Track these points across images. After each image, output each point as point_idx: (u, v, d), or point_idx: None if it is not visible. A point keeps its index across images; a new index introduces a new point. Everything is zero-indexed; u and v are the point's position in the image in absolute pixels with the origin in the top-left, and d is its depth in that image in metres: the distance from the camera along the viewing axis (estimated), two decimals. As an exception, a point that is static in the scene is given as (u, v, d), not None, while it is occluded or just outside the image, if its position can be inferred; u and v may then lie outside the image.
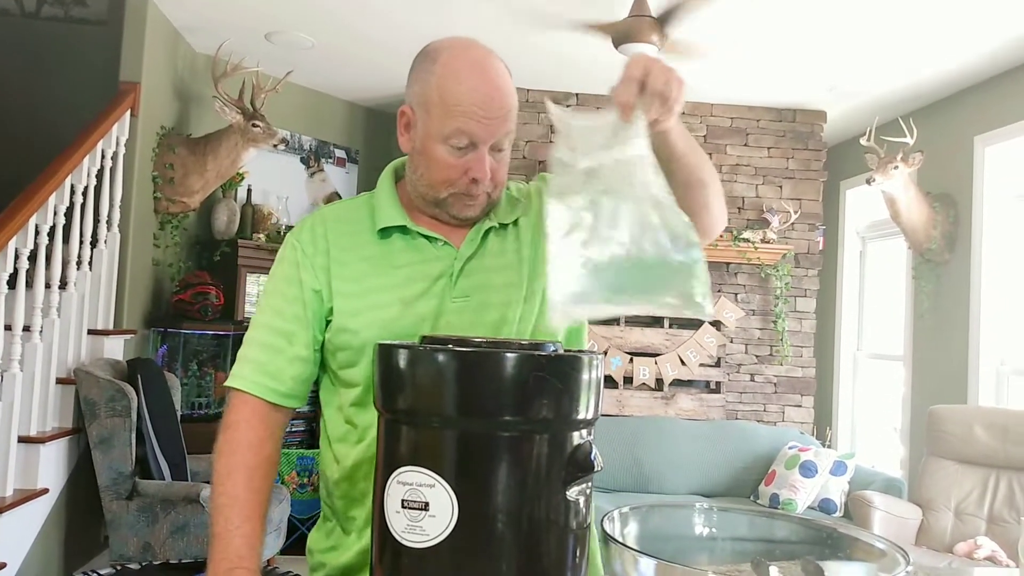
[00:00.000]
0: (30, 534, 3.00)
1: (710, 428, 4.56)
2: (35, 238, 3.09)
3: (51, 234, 3.20)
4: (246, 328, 1.18)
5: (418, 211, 1.15)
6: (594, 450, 0.81)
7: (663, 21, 3.36)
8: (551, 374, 0.77)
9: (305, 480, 4.23)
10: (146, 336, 4.09)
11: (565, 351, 0.86)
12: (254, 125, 3.96)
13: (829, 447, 4.66)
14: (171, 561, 1.15)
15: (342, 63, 4.53)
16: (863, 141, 4.31)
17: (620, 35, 3.42)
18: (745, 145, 4.94)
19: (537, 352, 0.79)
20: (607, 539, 0.82)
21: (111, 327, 3.65)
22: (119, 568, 1.08)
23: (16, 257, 2.98)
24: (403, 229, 1.13)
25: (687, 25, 3.43)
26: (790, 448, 4.33)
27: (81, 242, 3.45)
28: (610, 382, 4.69)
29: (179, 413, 3.66)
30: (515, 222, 1.18)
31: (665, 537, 0.95)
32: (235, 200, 4.54)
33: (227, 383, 1.13)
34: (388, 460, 0.81)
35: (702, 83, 4.53)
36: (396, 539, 0.78)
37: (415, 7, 3.65)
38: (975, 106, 4.29)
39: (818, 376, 5.06)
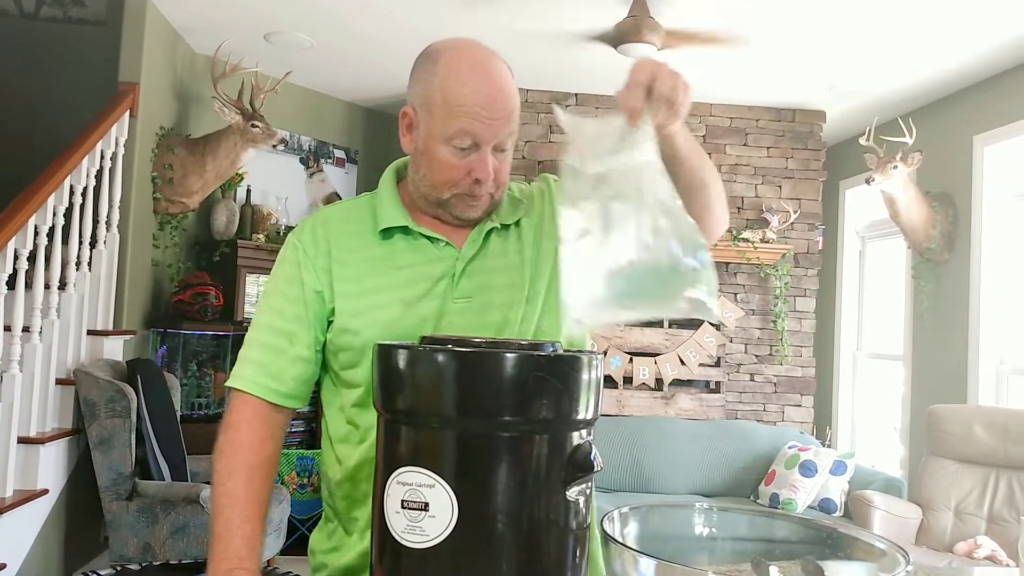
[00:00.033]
0: (30, 535, 3.00)
1: (710, 428, 4.56)
2: (34, 239, 3.08)
3: (50, 235, 3.20)
4: (246, 329, 1.18)
5: (420, 211, 1.15)
6: (594, 450, 0.81)
7: (670, 38, 3.38)
8: (551, 374, 0.77)
9: (305, 480, 4.23)
10: (146, 337, 4.09)
11: (565, 351, 0.86)
12: (253, 125, 3.96)
13: (829, 447, 4.66)
14: (171, 562, 1.14)
15: (341, 63, 4.53)
16: (862, 141, 4.31)
17: (619, 35, 3.42)
18: (744, 145, 4.94)
19: (537, 352, 0.79)
20: (607, 539, 0.82)
21: (111, 328, 3.65)
22: (119, 569, 1.08)
23: (16, 258, 2.98)
24: (405, 230, 1.13)
25: (685, 18, 3.44)
26: (790, 448, 4.34)
27: (80, 243, 3.45)
28: (610, 382, 4.69)
29: (179, 414, 3.66)
30: (517, 223, 1.18)
31: (665, 537, 0.95)
32: (234, 200, 4.54)
33: (228, 383, 1.13)
34: (388, 460, 0.81)
35: (701, 83, 4.53)
36: (396, 539, 0.78)
37: (415, 7, 3.65)
38: (974, 106, 4.29)
39: (818, 376, 5.06)
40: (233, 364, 1.16)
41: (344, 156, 5.34)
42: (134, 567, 1.10)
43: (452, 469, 0.76)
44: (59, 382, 3.21)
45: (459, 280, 1.12)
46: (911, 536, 3.53)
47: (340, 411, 1.16)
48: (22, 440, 2.94)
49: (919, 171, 4.28)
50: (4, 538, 2.80)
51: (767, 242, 4.73)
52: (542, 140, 4.81)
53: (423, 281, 1.11)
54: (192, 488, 3.09)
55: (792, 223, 4.88)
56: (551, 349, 0.83)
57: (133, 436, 3.14)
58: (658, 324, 4.78)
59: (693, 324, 4.74)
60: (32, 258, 3.10)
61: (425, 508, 0.76)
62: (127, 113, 3.73)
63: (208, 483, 3.07)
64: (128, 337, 3.81)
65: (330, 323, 1.13)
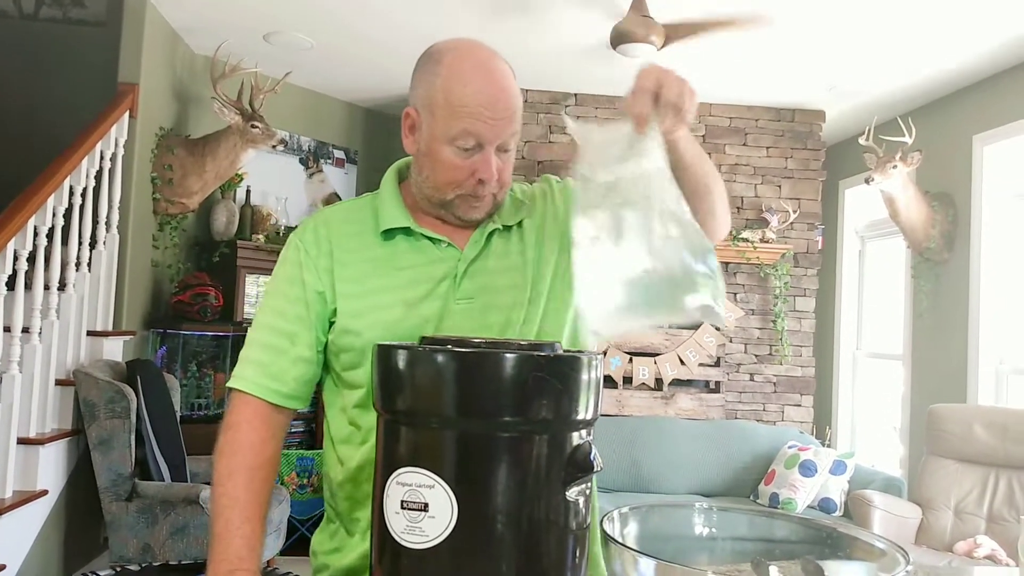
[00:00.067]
0: (29, 535, 3.00)
1: (710, 428, 4.56)
2: (34, 239, 3.08)
3: (50, 235, 3.20)
4: (245, 329, 1.18)
5: (422, 212, 1.15)
6: (593, 450, 0.81)
7: (669, 34, 3.37)
8: (550, 374, 0.77)
9: (305, 481, 4.23)
10: (145, 337, 4.09)
11: (564, 351, 0.86)
12: (253, 126, 3.96)
13: (829, 446, 4.66)
14: (171, 562, 1.14)
15: (341, 64, 4.53)
16: (862, 140, 4.31)
17: (619, 35, 3.42)
18: (744, 145, 4.94)
19: (536, 352, 0.79)
20: (607, 539, 0.82)
21: (110, 328, 3.65)
22: (119, 569, 1.08)
23: (15, 259, 2.98)
24: (407, 230, 1.13)
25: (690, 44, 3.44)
26: (790, 447, 4.34)
27: (80, 243, 3.45)
28: (609, 382, 4.69)
29: (178, 414, 3.66)
30: (519, 224, 1.18)
31: (665, 537, 0.95)
32: (234, 201, 4.54)
33: (229, 384, 1.13)
34: (387, 461, 0.81)
35: (701, 83, 4.51)
36: (395, 540, 0.78)
37: (414, 7, 3.65)
38: (974, 105, 4.29)
39: (817, 375, 5.06)
40: (233, 365, 1.16)
41: (344, 156, 5.34)
42: (134, 568, 1.10)
43: (452, 470, 0.76)
44: (59, 383, 3.21)
45: (461, 281, 1.11)
46: (911, 536, 3.53)
47: (342, 412, 1.15)
48: (22, 441, 2.94)
49: (918, 171, 4.28)
50: (3, 539, 2.80)
51: (767, 242, 4.73)
52: (542, 140, 4.81)
53: (425, 282, 1.11)
54: (192, 489, 3.08)
55: (792, 223, 4.88)
56: (551, 349, 0.83)
57: (133, 437, 3.14)
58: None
59: (693, 324, 4.74)
60: (32, 259, 3.10)
61: (425, 509, 0.76)
62: (127, 114, 3.73)
63: (208, 484, 3.07)
64: (128, 338, 3.81)
65: (331, 324, 1.13)
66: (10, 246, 2.91)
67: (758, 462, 4.40)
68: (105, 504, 3.08)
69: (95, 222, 3.57)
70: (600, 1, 3.48)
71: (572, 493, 0.79)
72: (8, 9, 4.73)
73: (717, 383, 4.85)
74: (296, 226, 4.40)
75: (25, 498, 2.90)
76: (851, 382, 5.43)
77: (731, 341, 4.86)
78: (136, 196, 3.86)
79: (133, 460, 3.13)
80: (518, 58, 1.12)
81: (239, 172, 4.31)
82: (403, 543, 0.77)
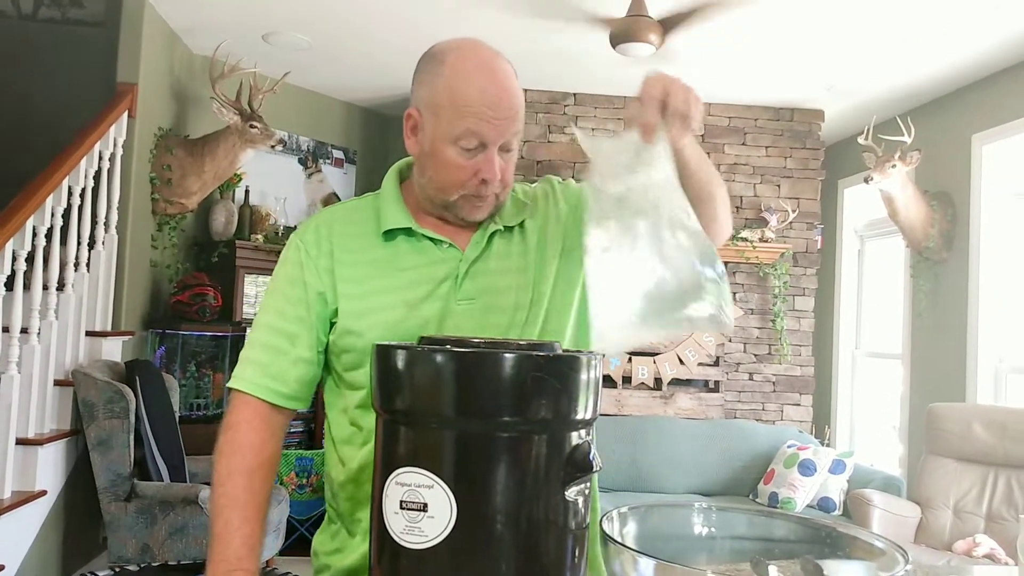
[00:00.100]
0: (28, 536, 2.99)
1: (709, 427, 4.56)
2: (33, 240, 3.08)
3: (49, 236, 3.20)
4: (244, 329, 1.19)
5: (423, 213, 1.15)
6: (593, 450, 0.81)
7: (665, 26, 3.37)
8: (549, 374, 0.77)
9: (304, 481, 4.23)
10: (144, 337, 4.09)
11: (564, 351, 0.86)
12: (252, 126, 3.96)
13: (828, 446, 4.66)
14: (170, 563, 1.14)
15: (340, 64, 4.53)
16: (861, 140, 4.31)
17: (618, 34, 3.42)
18: (743, 144, 4.94)
19: (535, 352, 0.79)
20: (606, 539, 0.82)
21: (109, 329, 3.65)
22: (118, 570, 1.08)
23: (14, 259, 2.98)
24: (408, 231, 1.13)
25: (688, 32, 3.44)
26: (789, 447, 4.34)
27: (79, 244, 3.44)
28: (609, 381, 4.69)
29: (177, 414, 3.66)
30: (521, 225, 1.17)
31: (664, 537, 0.95)
32: (233, 201, 4.54)
33: (229, 384, 1.12)
34: (386, 461, 0.81)
35: (700, 82, 4.52)
36: (394, 540, 0.77)
37: (413, 7, 3.65)
38: (973, 104, 4.29)
39: (817, 375, 5.07)
40: (232, 365, 1.16)
41: (343, 156, 5.34)
42: (133, 568, 1.10)
43: (451, 470, 0.76)
44: (57, 383, 3.21)
45: (462, 282, 1.11)
46: (910, 535, 3.53)
47: (343, 412, 1.15)
48: (20, 441, 2.94)
49: (917, 170, 4.28)
50: (2, 539, 2.80)
51: (766, 241, 4.74)
52: (541, 140, 4.81)
53: (426, 283, 1.11)
54: (191, 489, 3.08)
55: (791, 222, 4.88)
56: (550, 349, 0.83)
57: (132, 437, 3.14)
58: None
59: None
60: (31, 259, 3.10)
61: (424, 509, 0.76)
62: (125, 114, 3.73)
63: (207, 484, 3.07)
64: (126, 338, 3.80)
65: (333, 324, 1.13)
66: (9, 246, 2.91)
67: (757, 461, 4.41)
68: (104, 504, 3.08)
69: (94, 222, 3.57)
70: (600, 0, 3.48)
71: (571, 493, 0.79)
72: (6, 9, 4.73)
73: (716, 382, 4.85)
74: (295, 226, 4.39)
75: (24, 498, 2.90)
76: (850, 381, 5.43)
77: (730, 341, 4.86)
78: (135, 196, 3.86)
79: (132, 460, 3.13)
80: (517, 57, 1.11)
81: (238, 172, 4.31)
82: (402, 543, 0.77)
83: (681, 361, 4.76)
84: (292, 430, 4.44)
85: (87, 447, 3.13)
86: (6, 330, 2.94)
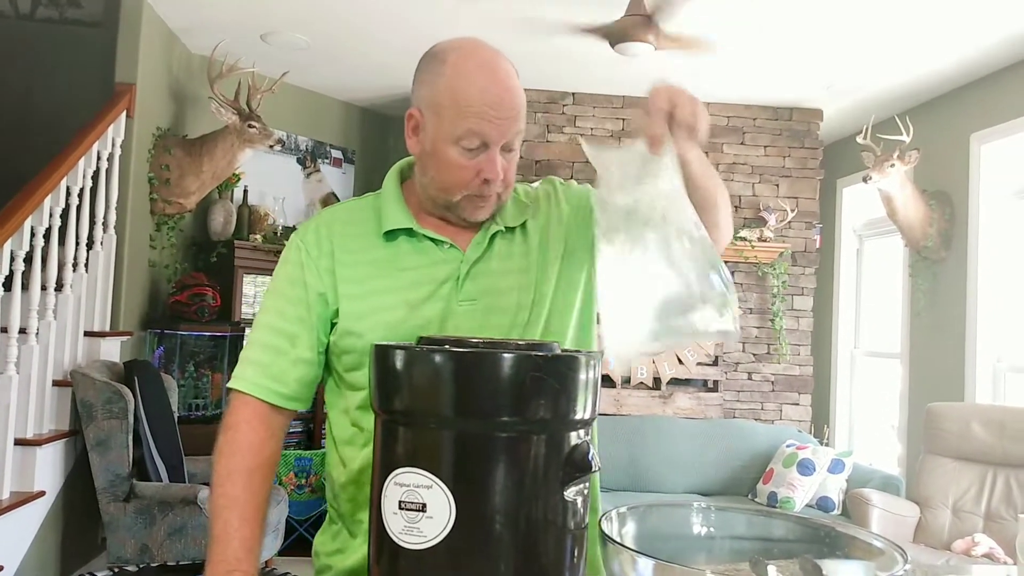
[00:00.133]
0: (27, 537, 2.99)
1: (708, 427, 4.57)
2: (31, 240, 3.08)
3: (47, 236, 3.20)
4: (243, 329, 1.19)
5: (425, 213, 1.14)
6: (592, 450, 0.81)
7: (656, 12, 3.35)
8: (548, 374, 0.77)
9: (303, 481, 4.22)
10: (143, 338, 4.08)
11: (562, 351, 0.86)
12: (250, 126, 3.95)
13: (827, 445, 4.66)
14: (169, 563, 1.14)
15: (338, 63, 4.53)
16: (859, 139, 4.31)
17: (616, 34, 3.42)
18: (742, 144, 4.94)
19: (534, 352, 0.79)
20: (605, 539, 0.82)
21: (107, 329, 3.64)
22: (117, 570, 1.08)
23: (12, 259, 2.98)
24: (409, 231, 1.13)
25: (681, 19, 3.43)
26: (788, 446, 4.34)
27: (77, 244, 3.44)
28: (608, 381, 4.69)
29: (176, 415, 3.66)
30: (523, 225, 1.17)
31: (663, 536, 0.95)
32: (231, 201, 4.54)
33: (229, 384, 1.12)
34: (385, 461, 0.80)
35: (699, 82, 4.53)
36: (393, 540, 0.77)
37: (412, 7, 3.64)
38: (971, 104, 4.29)
39: (815, 374, 5.07)
40: (231, 365, 1.16)
41: (341, 156, 5.34)
42: (132, 568, 1.10)
43: (450, 470, 0.76)
44: (56, 384, 3.21)
45: (463, 283, 1.11)
46: (909, 534, 3.54)
47: (344, 413, 1.15)
48: (19, 442, 2.94)
49: (916, 169, 4.29)
50: (1, 540, 2.80)
51: (765, 241, 4.74)
52: (539, 140, 4.81)
53: (427, 283, 1.11)
54: (190, 489, 3.08)
55: (789, 222, 4.88)
56: (548, 349, 0.83)
57: (130, 437, 3.13)
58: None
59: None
60: (29, 259, 3.10)
61: (423, 509, 0.76)
62: (123, 114, 3.72)
63: (206, 484, 3.07)
64: (125, 338, 3.80)
65: (333, 325, 1.12)
66: (7, 247, 2.91)
67: (756, 461, 4.41)
68: (103, 505, 3.07)
69: (92, 222, 3.57)
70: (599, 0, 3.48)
71: (570, 493, 0.79)
72: (4, 9, 4.72)
73: (715, 382, 4.86)
74: (294, 226, 4.39)
75: (22, 499, 2.90)
76: (849, 381, 5.43)
77: (729, 340, 4.86)
78: (133, 196, 3.86)
79: (131, 461, 3.13)
80: (516, 57, 1.11)
81: (236, 172, 4.30)
82: (401, 543, 0.77)
83: (680, 361, 4.76)
84: (291, 430, 4.43)
85: (86, 447, 3.12)
86: (4, 331, 2.93)
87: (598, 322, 1.00)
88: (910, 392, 4.67)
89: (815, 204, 4.98)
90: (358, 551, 1.11)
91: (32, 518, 3.01)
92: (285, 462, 4.18)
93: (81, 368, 3.24)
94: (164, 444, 3.39)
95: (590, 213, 1.19)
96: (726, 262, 5.12)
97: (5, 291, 2.91)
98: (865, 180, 4.16)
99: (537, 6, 3.57)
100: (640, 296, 0.92)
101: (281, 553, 3.62)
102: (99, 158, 3.57)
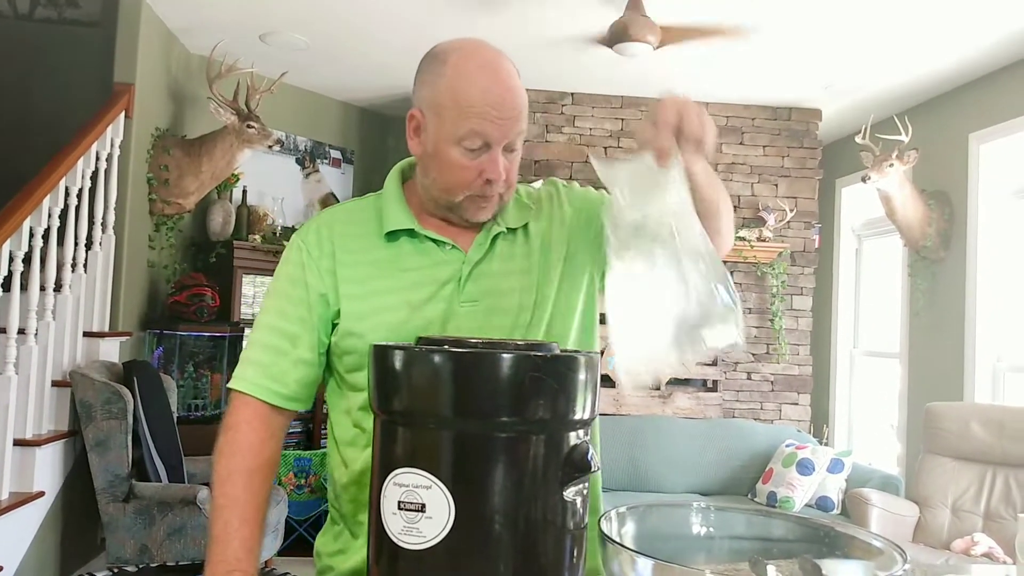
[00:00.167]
0: (26, 537, 2.99)
1: (707, 426, 4.57)
2: (30, 240, 3.08)
3: (46, 236, 3.19)
4: (242, 330, 1.18)
5: (426, 214, 1.14)
6: (591, 450, 0.81)
7: (664, 38, 3.37)
8: (547, 374, 0.77)
9: (303, 481, 4.22)
10: (142, 338, 4.08)
11: (562, 351, 0.86)
12: (249, 126, 3.95)
13: (826, 445, 4.66)
14: (168, 563, 1.14)
15: (337, 64, 4.53)
16: (858, 139, 4.31)
17: (615, 34, 3.42)
18: (740, 143, 4.94)
19: (533, 352, 0.79)
20: (604, 539, 0.82)
21: (106, 329, 3.64)
22: (116, 571, 1.08)
23: (11, 260, 2.98)
24: (410, 232, 1.12)
25: (681, 16, 3.44)
26: (787, 446, 4.34)
27: (76, 244, 3.44)
28: (607, 381, 4.69)
29: (175, 415, 3.66)
30: (525, 227, 1.17)
31: (663, 536, 0.95)
32: (230, 201, 4.53)
33: (229, 384, 1.12)
34: (384, 461, 0.80)
35: (698, 82, 4.53)
36: (393, 541, 0.77)
37: (411, 7, 3.64)
38: (970, 103, 4.30)
39: (815, 374, 5.07)
40: (230, 365, 1.16)
41: (340, 156, 5.33)
42: (131, 569, 1.10)
43: (449, 470, 0.76)
44: (55, 384, 3.21)
45: (465, 284, 1.11)
46: (908, 534, 3.54)
47: (346, 414, 1.15)
48: (18, 442, 2.94)
49: (915, 169, 4.29)
50: (0, 541, 2.80)
51: (764, 240, 4.74)
52: (538, 140, 4.81)
53: (429, 284, 1.10)
54: (189, 490, 3.08)
55: (788, 221, 4.89)
56: (547, 349, 0.83)
57: (129, 438, 3.13)
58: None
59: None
60: (27, 260, 3.09)
61: (422, 509, 0.76)
62: (122, 114, 3.72)
63: (205, 484, 3.07)
64: (124, 339, 3.80)
65: (335, 326, 1.12)
66: (5, 247, 2.90)
67: (756, 461, 4.41)
68: (102, 505, 3.07)
69: (91, 223, 3.56)
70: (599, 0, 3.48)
71: (569, 493, 0.79)
72: (3, 9, 4.72)
73: (715, 382, 4.86)
74: (293, 226, 4.38)
75: (22, 500, 2.89)
76: (848, 380, 5.44)
77: (728, 340, 4.86)
78: (132, 197, 3.86)
79: (130, 461, 3.13)
80: (515, 57, 1.11)
81: (235, 172, 4.30)
82: (400, 544, 0.77)
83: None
84: (290, 431, 4.42)
85: (85, 448, 3.12)
86: (3, 331, 2.93)
87: (603, 350, 1.00)
88: (909, 392, 4.67)
89: (814, 204, 4.98)
90: (360, 552, 1.11)
91: (31, 518, 3.01)
92: (285, 462, 4.17)
93: (80, 368, 3.23)
94: (163, 444, 3.39)
95: (593, 215, 1.19)
96: (725, 262, 5.13)
97: (4, 292, 2.91)
98: (864, 180, 4.16)
99: (537, 6, 3.57)
100: (651, 314, 0.92)
101: (281, 553, 3.62)
102: (98, 158, 3.57)
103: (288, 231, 4.71)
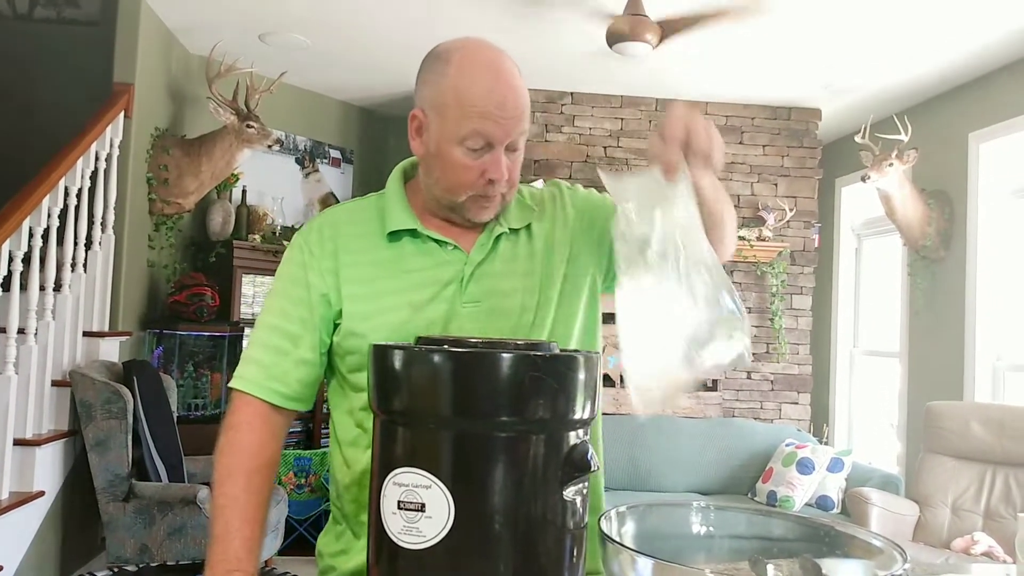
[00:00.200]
0: (26, 537, 2.99)
1: (707, 426, 4.57)
2: (29, 240, 3.08)
3: (45, 236, 3.19)
4: (242, 329, 1.18)
5: (429, 214, 1.14)
6: (591, 450, 0.81)
7: (664, 30, 3.36)
8: (547, 374, 0.77)
9: (303, 481, 4.22)
10: (142, 338, 4.08)
11: (561, 351, 0.86)
12: (248, 126, 3.95)
13: (826, 444, 4.66)
14: (168, 563, 1.14)
15: (336, 63, 4.53)
16: (858, 138, 4.31)
17: (615, 34, 3.42)
18: (740, 143, 4.94)
19: (532, 352, 0.79)
20: (604, 538, 0.82)
21: (106, 329, 3.64)
22: (116, 570, 1.08)
23: (10, 260, 2.97)
24: (413, 232, 1.12)
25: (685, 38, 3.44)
26: (787, 445, 4.34)
27: (75, 244, 3.44)
28: (607, 380, 4.69)
29: (175, 414, 3.66)
30: (528, 227, 1.17)
31: (663, 536, 0.95)
32: (230, 201, 4.53)
33: (231, 384, 1.12)
34: (384, 461, 0.80)
35: (697, 81, 4.53)
36: (392, 540, 0.77)
37: (411, 7, 3.64)
38: (969, 103, 4.30)
39: (815, 373, 5.07)
40: (230, 364, 1.16)
41: (340, 156, 5.33)
42: (131, 568, 1.10)
43: (448, 470, 0.76)
44: (55, 384, 3.20)
45: (467, 285, 1.11)
46: (908, 533, 3.54)
47: (348, 415, 1.14)
48: (18, 442, 2.94)
49: (915, 168, 4.29)
50: (1, 540, 2.80)
51: (763, 240, 4.74)
52: (538, 139, 4.81)
53: (431, 285, 1.10)
54: (189, 489, 3.08)
55: (788, 221, 4.89)
56: (547, 349, 0.83)
57: (129, 437, 3.13)
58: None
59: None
60: (27, 259, 3.09)
61: (422, 509, 0.76)
62: (122, 114, 3.72)
63: (205, 484, 3.07)
64: (124, 338, 3.80)
65: (336, 326, 1.12)
66: (5, 247, 2.90)
67: (756, 460, 4.41)
68: (102, 505, 3.07)
69: (90, 223, 3.56)
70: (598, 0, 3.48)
71: (569, 492, 0.79)
72: (2, 9, 4.72)
73: (715, 381, 4.86)
74: (292, 226, 4.36)
75: (22, 499, 2.89)
76: (848, 380, 5.44)
77: (728, 339, 4.86)
78: (132, 196, 3.85)
79: (130, 461, 3.13)
80: (514, 56, 1.11)
81: (235, 172, 4.30)
82: (400, 543, 0.77)
83: (679, 360, 4.76)
84: (290, 430, 4.42)
85: (85, 448, 3.12)
86: (3, 331, 2.93)
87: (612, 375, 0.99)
88: (909, 391, 4.67)
89: (814, 203, 4.98)
90: (362, 552, 1.11)
91: (31, 518, 3.01)
92: (285, 462, 4.18)
93: (80, 368, 3.23)
94: (163, 444, 3.39)
95: (596, 218, 1.19)
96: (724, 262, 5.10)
97: (4, 291, 2.91)
98: (864, 179, 4.16)
99: (537, 7, 3.57)
100: (660, 331, 0.92)
101: (281, 553, 3.62)
102: (97, 158, 3.57)
103: (288, 231, 4.71)
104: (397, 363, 0.80)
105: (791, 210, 4.89)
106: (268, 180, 4.84)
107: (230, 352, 4.16)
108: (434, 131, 1.06)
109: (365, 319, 1.09)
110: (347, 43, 4.19)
